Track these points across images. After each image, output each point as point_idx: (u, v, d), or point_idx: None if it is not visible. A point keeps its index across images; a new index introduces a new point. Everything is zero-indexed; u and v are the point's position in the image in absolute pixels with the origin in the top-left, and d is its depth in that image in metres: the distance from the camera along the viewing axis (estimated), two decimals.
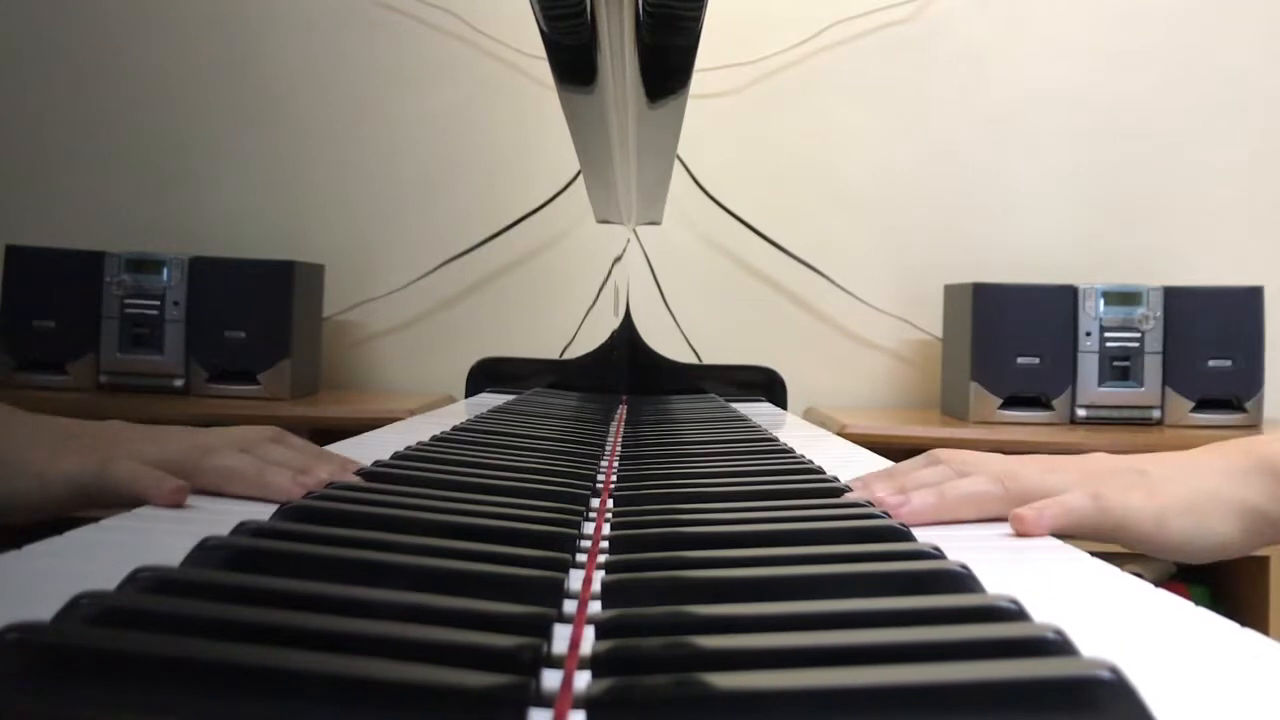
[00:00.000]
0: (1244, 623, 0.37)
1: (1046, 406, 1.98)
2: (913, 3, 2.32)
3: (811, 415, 2.05)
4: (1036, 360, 1.97)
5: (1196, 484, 0.60)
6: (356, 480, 0.61)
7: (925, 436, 1.99)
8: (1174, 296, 1.97)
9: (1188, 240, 2.30)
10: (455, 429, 0.90)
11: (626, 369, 1.58)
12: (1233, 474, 0.61)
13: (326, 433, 0.91)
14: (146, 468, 0.57)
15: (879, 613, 0.35)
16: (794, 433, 1.12)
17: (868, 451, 0.96)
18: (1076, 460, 0.63)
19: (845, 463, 0.84)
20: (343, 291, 2.26)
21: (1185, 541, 0.59)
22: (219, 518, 0.52)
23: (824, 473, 0.67)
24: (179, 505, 0.54)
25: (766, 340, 2.26)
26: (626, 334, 1.60)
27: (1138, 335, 1.96)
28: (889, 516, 0.53)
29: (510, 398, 1.37)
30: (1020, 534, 0.55)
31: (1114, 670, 0.27)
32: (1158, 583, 0.58)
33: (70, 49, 2.32)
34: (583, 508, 0.55)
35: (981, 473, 0.60)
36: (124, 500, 0.56)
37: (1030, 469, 0.61)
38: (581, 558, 0.46)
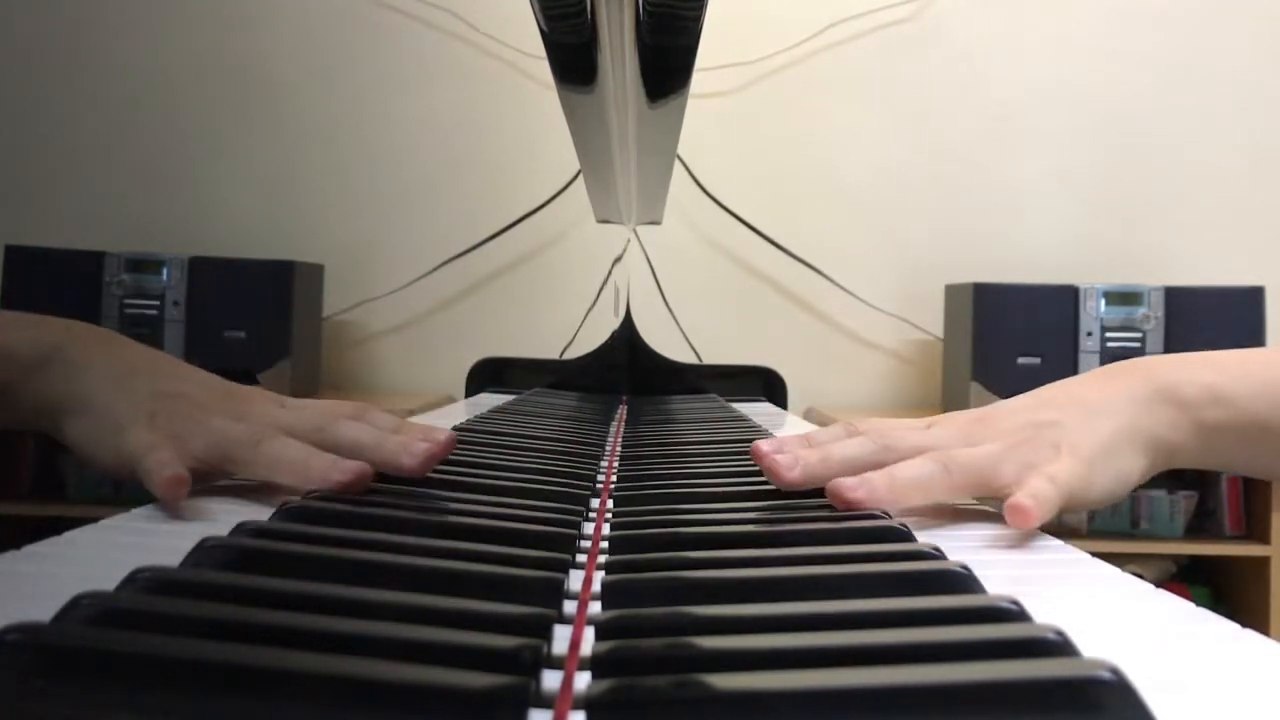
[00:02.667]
0: (1244, 623, 0.37)
1: None
2: (913, 3, 2.32)
3: (812, 415, 2.06)
4: (1037, 360, 1.97)
5: (1109, 425, 0.59)
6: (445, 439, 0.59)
7: None
8: (1175, 296, 1.97)
9: (1188, 240, 2.30)
10: (455, 429, 0.90)
11: (626, 369, 1.58)
12: (1138, 403, 0.60)
13: None
14: (171, 464, 0.54)
15: (879, 613, 0.35)
16: (794, 433, 1.12)
17: None
18: (988, 424, 0.61)
19: None
20: (343, 291, 2.26)
21: (1107, 494, 0.58)
22: (219, 518, 0.52)
23: None
24: (176, 499, 0.53)
25: (766, 340, 2.26)
26: (626, 334, 1.60)
27: (1139, 335, 1.96)
28: (888, 517, 0.53)
29: (510, 398, 1.37)
30: (1019, 526, 0.54)
31: (1114, 671, 0.27)
32: (1158, 583, 0.58)
33: (70, 49, 2.32)
34: (583, 508, 0.55)
35: (914, 450, 0.58)
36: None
37: (959, 446, 0.59)
38: (581, 558, 0.46)
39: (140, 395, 0.59)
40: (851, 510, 0.54)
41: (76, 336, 0.62)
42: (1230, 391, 0.61)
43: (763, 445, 0.59)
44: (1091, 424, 0.59)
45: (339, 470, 0.55)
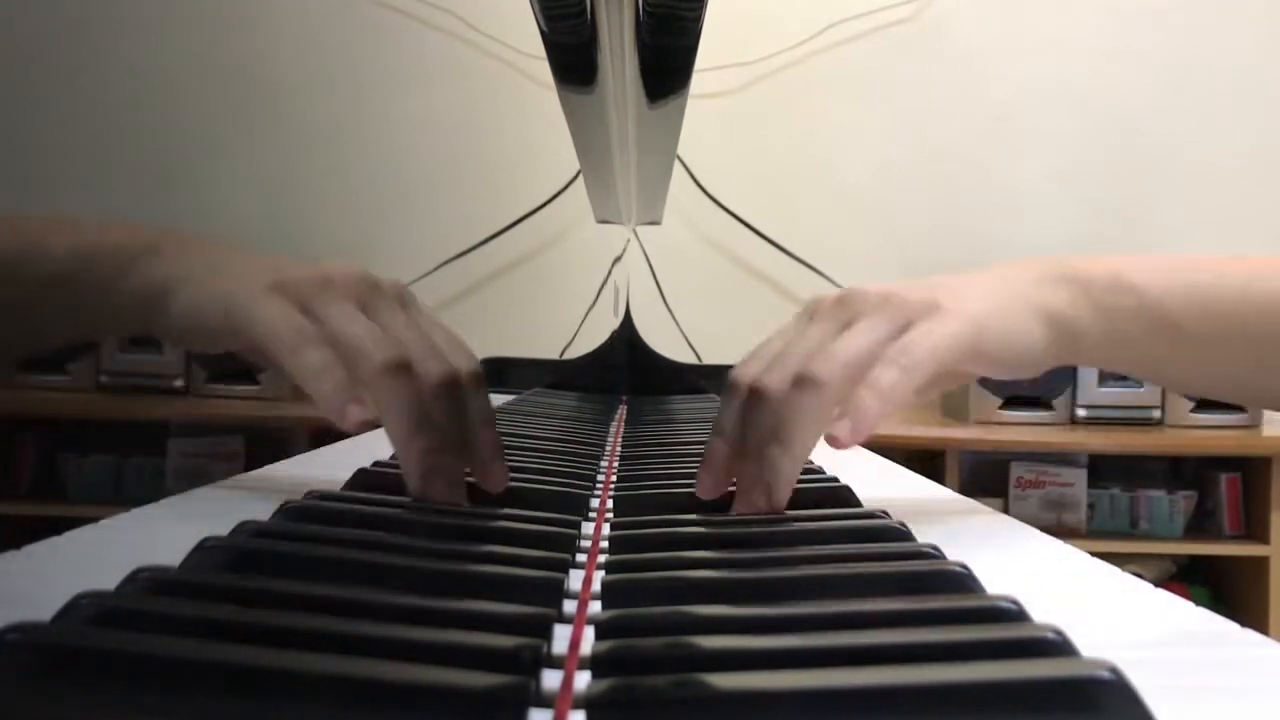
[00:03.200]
0: (1244, 623, 0.37)
1: (1047, 407, 1.98)
2: (913, 3, 2.32)
3: None
4: None
5: (1000, 292, 0.57)
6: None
7: (926, 436, 1.98)
8: None
9: (1188, 240, 2.30)
10: None
11: (626, 369, 1.58)
12: (1034, 279, 0.58)
13: (327, 433, 0.91)
14: (338, 370, 0.52)
15: (879, 613, 0.35)
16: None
17: (868, 451, 0.96)
18: (862, 296, 0.58)
19: (845, 463, 0.84)
20: None
21: (998, 347, 0.56)
22: (219, 518, 0.52)
23: (823, 472, 0.67)
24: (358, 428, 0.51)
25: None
26: (626, 334, 1.60)
27: None
28: (888, 517, 0.52)
29: (510, 398, 1.37)
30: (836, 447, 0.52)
31: (1114, 670, 0.27)
32: (1157, 583, 0.58)
33: (70, 48, 2.32)
34: (583, 508, 0.55)
35: (788, 390, 0.54)
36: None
37: (828, 340, 0.55)
38: (581, 558, 0.46)
39: (244, 268, 0.58)
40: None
41: (173, 232, 0.61)
42: (1140, 282, 0.58)
43: (710, 488, 0.56)
44: (984, 290, 0.57)
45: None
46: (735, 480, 0.56)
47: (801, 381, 0.54)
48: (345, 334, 0.54)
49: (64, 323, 0.62)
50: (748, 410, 0.56)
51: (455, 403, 0.56)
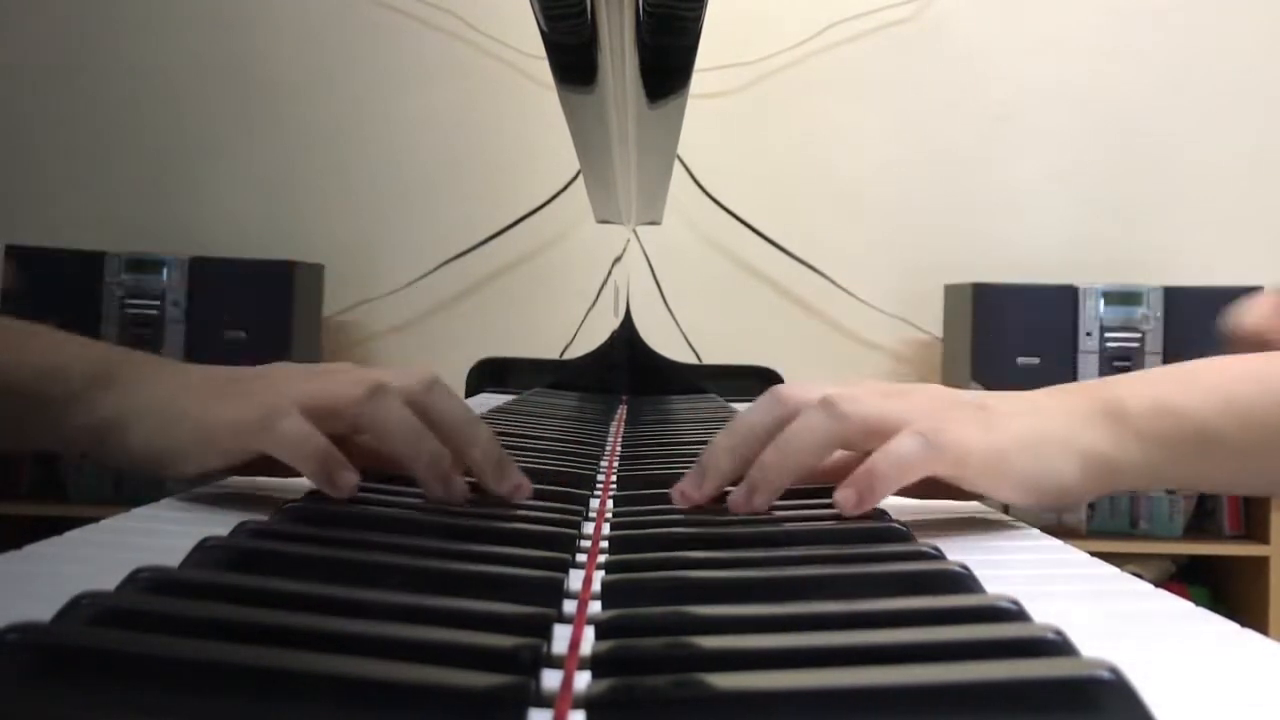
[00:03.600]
0: (1244, 623, 0.37)
1: None
2: (913, 3, 2.32)
3: None
4: (1036, 360, 1.97)
5: (1037, 423, 0.57)
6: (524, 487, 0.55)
7: None
8: (1174, 296, 1.97)
9: (1188, 240, 2.30)
10: None
11: (626, 369, 1.58)
12: (1074, 416, 0.58)
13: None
14: (314, 439, 0.52)
15: (879, 613, 0.35)
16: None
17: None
18: (913, 388, 0.58)
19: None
20: (343, 291, 2.26)
21: (1024, 479, 0.55)
22: (219, 518, 0.52)
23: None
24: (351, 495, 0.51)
25: (766, 340, 2.26)
26: (626, 334, 1.60)
27: (1138, 335, 1.96)
28: (889, 518, 0.52)
29: (510, 398, 1.37)
30: (851, 510, 0.52)
31: (1114, 670, 0.27)
32: (1157, 582, 0.58)
33: (70, 49, 2.32)
34: (583, 508, 0.55)
35: (811, 407, 0.54)
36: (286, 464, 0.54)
37: (865, 395, 0.55)
38: (581, 558, 0.46)
39: (202, 391, 0.58)
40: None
41: (126, 356, 0.61)
42: (1177, 402, 0.59)
43: (691, 491, 0.55)
44: (1019, 415, 0.57)
45: (444, 486, 0.53)
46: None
47: (825, 403, 0.54)
48: (320, 400, 0.55)
49: (15, 434, 0.61)
50: (763, 411, 0.57)
51: (444, 401, 0.57)
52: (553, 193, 2.24)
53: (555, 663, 0.32)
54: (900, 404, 0.55)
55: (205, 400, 0.57)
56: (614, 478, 0.69)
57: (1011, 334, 1.98)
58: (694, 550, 0.45)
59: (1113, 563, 0.48)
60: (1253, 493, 0.67)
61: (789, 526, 0.51)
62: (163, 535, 0.48)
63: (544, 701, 0.29)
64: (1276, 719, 0.30)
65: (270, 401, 0.55)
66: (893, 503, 0.57)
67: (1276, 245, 2.30)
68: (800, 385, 0.58)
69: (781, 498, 0.56)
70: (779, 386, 0.59)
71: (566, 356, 1.74)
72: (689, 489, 0.55)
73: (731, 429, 0.57)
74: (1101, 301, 1.98)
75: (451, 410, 0.57)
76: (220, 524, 0.44)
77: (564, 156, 1.60)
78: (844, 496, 0.52)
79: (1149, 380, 0.63)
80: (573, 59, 0.70)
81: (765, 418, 0.56)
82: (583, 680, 0.30)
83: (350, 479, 0.52)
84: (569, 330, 1.87)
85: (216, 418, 0.56)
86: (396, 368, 0.60)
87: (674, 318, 2.06)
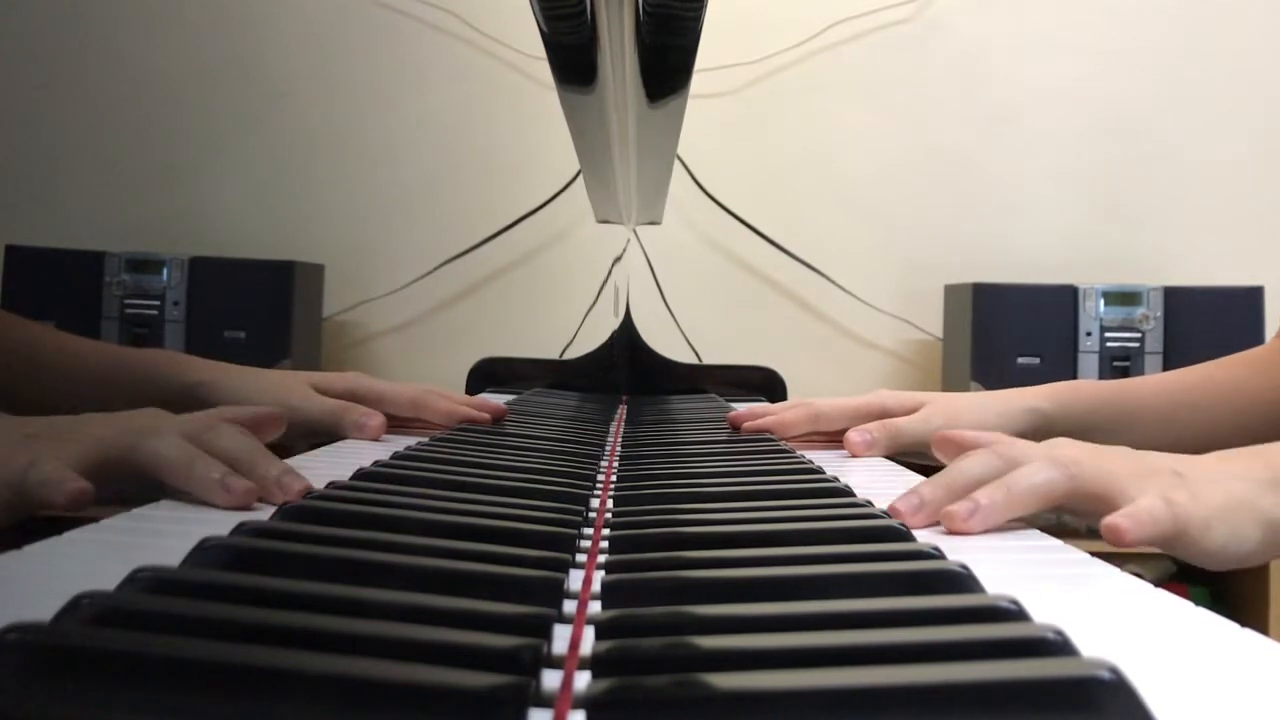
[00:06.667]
0: (1244, 623, 0.37)
1: None
2: (913, 3, 2.32)
3: None
4: (1037, 360, 1.97)
5: (1229, 490, 0.59)
6: (300, 491, 0.57)
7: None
8: (1174, 296, 1.97)
9: (1188, 240, 2.30)
10: (455, 429, 0.90)
11: (626, 369, 1.58)
12: (1259, 484, 0.60)
13: (328, 434, 0.91)
14: (62, 467, 0.53)
15: (879, 613, 0.35)
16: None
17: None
18: (1119, 452, 0.61)
19: (844, 463, 0.84)
20: (343, 291, 2.26)
21: (1221, 548, 0.58)
22: (219, 518, 0.52)
23: (823, 472, 0.67)
24: (80, 508, 0.52)
25: (766, 340, 2.26)
26: (626, 334, 1.60)
27: (1138, 335, 1.96)
28: (889, 516, 0.53)
29: (510, 398, 1.37)
30: (1113, 543, 0.54)
31: (1114, 670, 0.27)
32: (1158, 583, 0.58)
33: (70, 49, 2.32)
34: (583, 508, 0.55)
35: (1038, 459, 0.58)
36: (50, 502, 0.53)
37: (1086, 456, 0.59)
38: (581, 558, 0.46)
39: (10, 435, 0.57)
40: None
41: None
42: None
43: (906, 514, 0.57)
44: (1213, 483, 0.59)
45: (224, 489, 0.55)
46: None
47: (1055, 462, 0.57)
48: (91, 445, 0.57)
49: None
50: (989, 457, 0.59)
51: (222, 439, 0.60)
52: (553, 193, 2.24)
53: (555, 663, 0.32)
54: (1127, 472, 0.58)
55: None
56: (614, 478, 0.69)
57: (1011, 334, 1.98)
58: (694, 550, 0.45)
59: (1112, 562, 0.48)
60: None
61: (789, 526, 0.51)
62: (163, 535, 0.48)
63: (544, 701, 0.29)
64: (1276, 719, 0.30)
65: (45, 449, 0.55)
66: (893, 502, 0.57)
67: (1276, 245, 2.30)
68: (1024, 443, 0.61)
69: (780, 499, 0.56)
70: (998, 445, 0.62)
71: (566, 356, 1.74)
72: (904, 518, 0.56)
73: (956, 470, 0.59)
74: (1101, 301, 1.98)
75: (231, 442, 0.59)
76: (220, 524, 0.44)
77: (564, 156, 1.60)
78: (1125, 526, 0.54)
79: None
80: (573, 59, 0.70)
81: (988, 464, 0.59)
82: (583, 680, 0.30)
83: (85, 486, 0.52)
84: (569, 330, 1.87)
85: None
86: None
87: (674, 318, 2.06)
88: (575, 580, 0.42)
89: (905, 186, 2.32)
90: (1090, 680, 0.27)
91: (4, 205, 2.29)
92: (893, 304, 2.29)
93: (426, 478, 0.59)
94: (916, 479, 0.70)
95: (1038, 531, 0.56)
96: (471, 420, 0.91)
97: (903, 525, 0.50)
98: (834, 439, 0.91)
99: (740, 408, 0.99)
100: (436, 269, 2.27)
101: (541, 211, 2.25)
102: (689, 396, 1.50)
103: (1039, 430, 0.84)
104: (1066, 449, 0.60)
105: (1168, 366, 1.97)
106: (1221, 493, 0.59)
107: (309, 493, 0.55)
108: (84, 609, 0.31)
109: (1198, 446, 0.67)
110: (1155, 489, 0.57)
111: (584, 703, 0.28)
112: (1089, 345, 1.97)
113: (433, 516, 0.49)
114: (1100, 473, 0.58)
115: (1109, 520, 0.54)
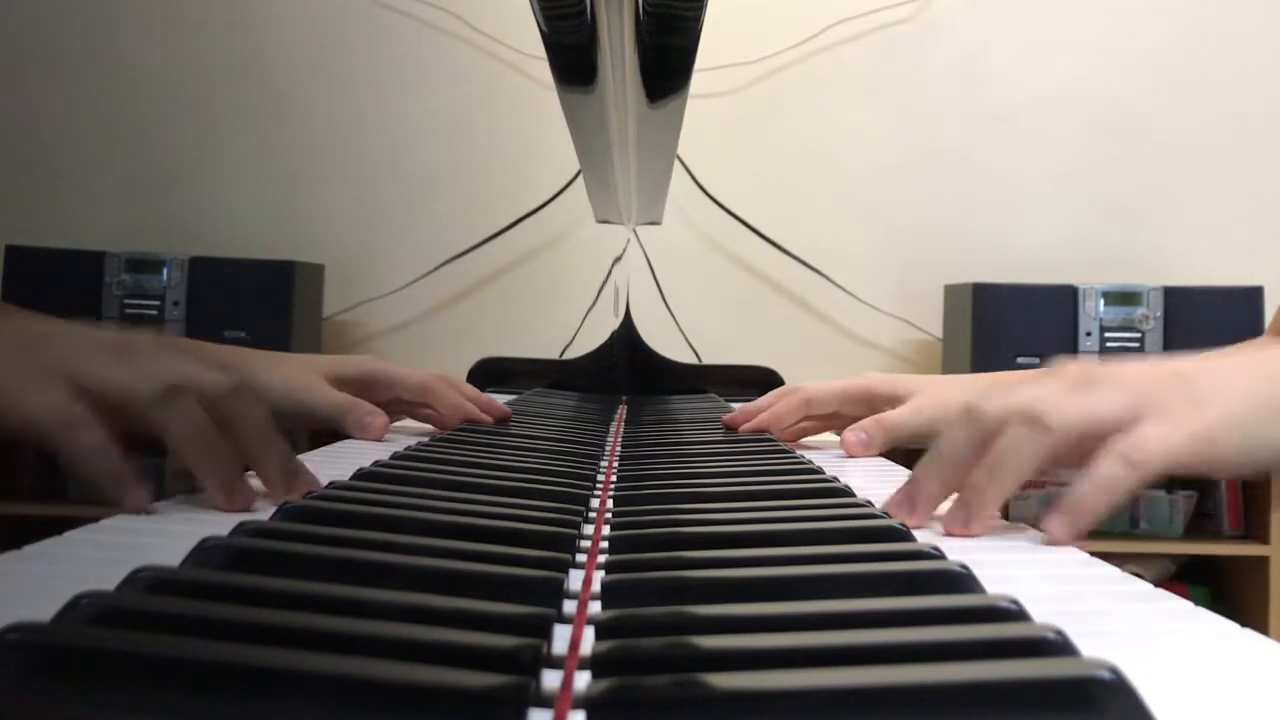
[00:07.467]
0: (1243, 622, 0.37)
1: None
2: (913, 3, 2.32)
3: None
4: (1037, 360, 1.97)
5: (1248, 389, 0.54)
6: (306, 490, 0.55)
7: None
8: (1174, 296, 1.97)
9: (1188, 240, 2.30)
10: (455, 429, 0.90)
11: (626, 369, 1.58)
12: (1272, 377, 0.54)
13: (328, 433, 0.91)
14: (112, 452, 0.51)
15: (879, 613, 0.35)
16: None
17: None
18: (1105, 369, 0.56)
19: (843, 463, 0.84)
20: (343, 291, 2.26)
21: (1235, 461, 0.53)
22: (219, 518, 0.52)
23: (823, 472, 0.67)
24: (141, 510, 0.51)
25: (766, 340, 2.26)
26: (626, 334, 1.60)
27: (1138, 335, 1.96)
28: (889, 516, 0.52)
29: (510, 398, 1.37)
30: (1057, 542, 0.51)
31: (1114, 670, 0.27)
32: (1157, 582, 0.57)
33: (70, 49, 2.32)
34: (583, 508, 0.55)
35: (1015, 423, 0.53)
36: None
37: (1061, 394, 0.54)
38: (581, 558, 0.46)
39: (7, 349, 0.53)
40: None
41: None
42: None
43: (901, 514, 0.54)
44: (1227, 385, 0.54)
45: (228, 498, 0.53)
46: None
47: (1028, 417, 0.53)
48: (109, 393, 0.52)
49: None
50: (964, 429, 0.55)
51: (246, 409, 0.55)
52: (553, 193, 2.24)
53: (555, 663, 0.32)
54: (1100, 402, 0.53)
55: (5, 366, 0.52)
56: (614, 478, 0.69)
57: (1011, 334, 1.98)
58: (694, 550, 0.45)
59: (1113, 563, 0.48)
60: None
61: (789, 526, 0.51)
62: (163, 535, 0.48)
63: (544, 701, 0.29)
64: (1276, 719, 0.30)
65: (64, 384, 0.51)
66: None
67: (1276, 245, 2.30)
68: (988, 396, 0.56)
69: (780, 499, 0.56)
70: (972, 401, 0.56)
71: (566, 356, 1.74)
72: (899, 514, 0.54)
73: (936, 453, 0.56)
74: (1101, 301, 1.98)
75: (251, 419, 0.55)
76: (220, 524, 0.44)
77: (564, 156, 1.60)
78: (1057, 527, 0.51)
79: None
80: (573, 59, 0.70)
81: (966, 438, 0.55)
82: (583, 680, 0.30)
83: (138, 498, 0.50)
84: (569, 330, 1.87)
85: (10, 397, 0.51)
86: (201, 365, 0.56)
87: (674, 318, 2.06)
88: (575, 580, 0.42)
89: (905, 186, 2.32)
90: (1090, 680, 0.27)
91: (4, 205, 2.29)
92: (892, 304, 2.29)
93: (426, 478, 0.59)
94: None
95: (1035, 531, 0.56)
96: (475, 421, 0.92)
97: (902, 525, 0.50)
98: (826, 423, 0.93)
99: (735, 408, 0.99)
100: (436, 269, 2.27)
101: (541, 211, 2.25)
102: (689, 396, 1.50)
103: None
104: (1049, 382, 0.55)
105: None
106: (1238, 396, 0.53)
107: (309, 493, 0.55)
108: (84, 609, 0.31)
109: None
110: (1142, 434, 0.52)
111: (584, 703, 0.28)
112: (1089, 345, 1.97)
113: (433, 516, 0.49)
114: (1080, 415, 0.53)
115: (1045, 521, 0.52)
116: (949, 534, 0.54)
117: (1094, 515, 0.51)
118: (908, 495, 0.56)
